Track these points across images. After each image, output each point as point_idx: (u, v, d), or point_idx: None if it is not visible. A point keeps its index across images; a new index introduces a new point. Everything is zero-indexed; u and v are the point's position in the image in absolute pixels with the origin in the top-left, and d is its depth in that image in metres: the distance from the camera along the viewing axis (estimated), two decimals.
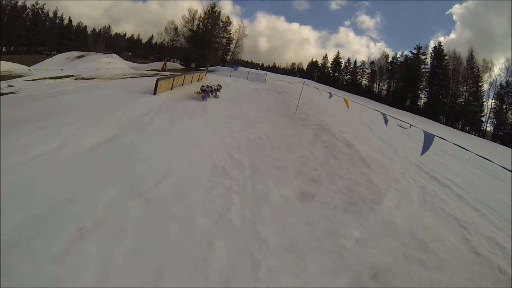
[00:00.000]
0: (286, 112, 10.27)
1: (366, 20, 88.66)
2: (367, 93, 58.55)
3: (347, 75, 65.68)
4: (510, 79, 47.88)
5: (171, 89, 11.97)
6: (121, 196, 3.16)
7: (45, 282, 2.08)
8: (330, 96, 8.47)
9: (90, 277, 2.15)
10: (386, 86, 61.08)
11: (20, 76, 22.41)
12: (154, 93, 10.37)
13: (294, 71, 69.12)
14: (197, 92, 10.88)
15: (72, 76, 21.56)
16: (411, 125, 4.75)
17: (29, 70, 19.87)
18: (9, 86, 16.23)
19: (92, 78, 20.58)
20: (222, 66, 44.67)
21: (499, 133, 47.27)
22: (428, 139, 3.70)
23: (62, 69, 20.98)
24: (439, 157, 9.00)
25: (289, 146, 5.96)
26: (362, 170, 5.26)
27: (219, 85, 12.91)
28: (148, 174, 3.77)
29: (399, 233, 3.38)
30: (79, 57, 42.09)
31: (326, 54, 68.87)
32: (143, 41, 68.22)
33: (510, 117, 47.53)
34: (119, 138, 5.32)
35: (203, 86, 11.52)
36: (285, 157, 5.27)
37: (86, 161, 4.21)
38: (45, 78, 19.66)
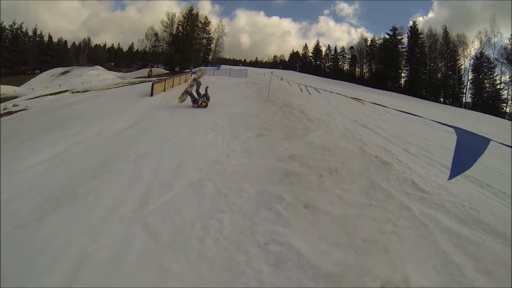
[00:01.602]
0: (260, 97, 12.85)
1: (345, 7, 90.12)
2: (349, 77, 59.54)
3: (328, 62, 66.28)
4: (484, 50, 50.23)
5: (164, 91, 14.38)
6: (155, 143, 5.72)
7: (130, 172, 4.46)
8: (281, 79, 11.09)
9: (150, 172, 4.54)
10: (367, 69, 62.31)
11: (16, 97, 24.19)
12: (151, 95, 12.78)
13: (276, 64, 69.57)
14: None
15: (67, 91, 23.55)
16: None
17: (32, 89, 21.95)
18: (14, 105, 18.23)
19: (87, 91, 22.63)
20: (205, 66, 45.70)
21: (479, 102, 49.73)
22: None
23: (60, 85, 23.10)
24: (382, 116, 11.50)
25: (256, 115, 8.58)
26: (305, 123, 7.80)
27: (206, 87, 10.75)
28: (167, 134, 6.33)
29: (313, 145, 5.77)
30: (64, 73, 42.93)
31: (306, 44, 68.19)
32: (124, 50, 67.32)
33: (487, 86, 50.33)
34: (138, 123, 7.83)
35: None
36: (252, 121, 7.90)
37: (122, 135, 6.74)
38: (43, 95, 21.68)
